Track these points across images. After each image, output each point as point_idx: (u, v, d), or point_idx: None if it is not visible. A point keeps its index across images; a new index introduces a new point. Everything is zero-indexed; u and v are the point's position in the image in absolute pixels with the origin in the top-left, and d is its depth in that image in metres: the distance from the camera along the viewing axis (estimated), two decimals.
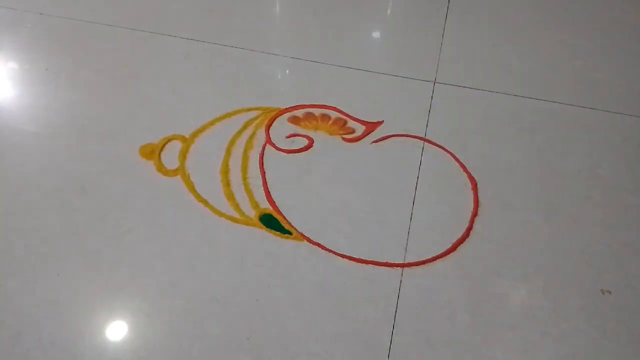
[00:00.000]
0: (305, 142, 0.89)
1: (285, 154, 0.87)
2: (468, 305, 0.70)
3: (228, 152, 0.87)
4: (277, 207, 0.80)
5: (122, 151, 0.87)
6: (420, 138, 0.89)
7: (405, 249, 0.76)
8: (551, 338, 0.68)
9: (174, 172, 0.84)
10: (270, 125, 0.91)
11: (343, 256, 0.75)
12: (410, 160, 0.86)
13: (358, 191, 0.82)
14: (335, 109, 0.92)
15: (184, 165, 0.85)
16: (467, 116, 0.92)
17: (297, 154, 0.87)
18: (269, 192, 0.82)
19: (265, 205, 0.80)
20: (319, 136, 0.89)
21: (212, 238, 0.76)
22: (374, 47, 1.09)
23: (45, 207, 0.79)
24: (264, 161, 0.86)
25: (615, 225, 0.79)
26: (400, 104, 0.94)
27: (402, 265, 0.74)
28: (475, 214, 0.79)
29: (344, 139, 0.89)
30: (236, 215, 0.79)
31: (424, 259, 0.75)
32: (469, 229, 0.78)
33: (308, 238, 0.77)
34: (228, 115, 0.89)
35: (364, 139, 0.89)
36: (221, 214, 0.79)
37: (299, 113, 0.93)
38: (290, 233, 0.77)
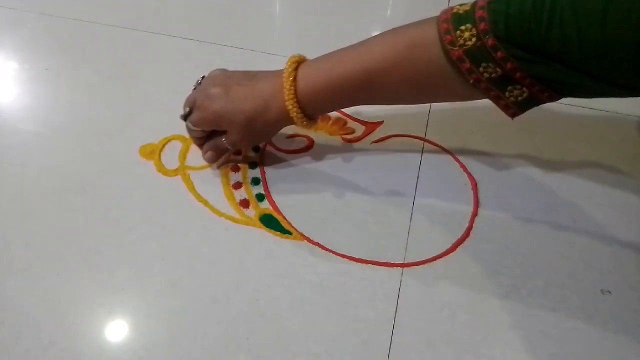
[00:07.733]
0: (305, 142, 0.89)
1: (285, 154, 0.87)
2: (468, 305, 0.70)
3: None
4: (277, 207, 0.80)
5: (122, 151, 0.87)
6: (420, 138, 0.89)
7: (405, 249, 0.76)
8: (551, 338, 0.68)
9: (174, 172, 0.84)
10: None
11: (343, 256, 0.75)
12: (410, 160, 0.86)
13: (358, 191, 0.82)
14: None
15: (184, 165, 0.85)
16: (467, 116, 0.92)
17: (297, 154, 0.87)
18: (269, 192, 0.82)
19: (265, 206, 0.80)
20: (319, 136, 0.90)
21: (212, 238, 0.76)
22: None
23: (45, 207, 0.79)
24: (264, 161, 0.86)
25: (615, 225, 0.79)
26: None
27: (402, 265, 0.74)
28: (475, 214, 0.79)
29: (343, 139, 0.89)
30: (236, 215, 0.79)
31: (424, 259, 0.75)
32: (469, 229, 0.78)
33: (308, 238, 0.77)
34: None
35: (364, 139, 0.89)
36: (221, 214, 0.79)
37: None
38: (290, 233, 0.77)
